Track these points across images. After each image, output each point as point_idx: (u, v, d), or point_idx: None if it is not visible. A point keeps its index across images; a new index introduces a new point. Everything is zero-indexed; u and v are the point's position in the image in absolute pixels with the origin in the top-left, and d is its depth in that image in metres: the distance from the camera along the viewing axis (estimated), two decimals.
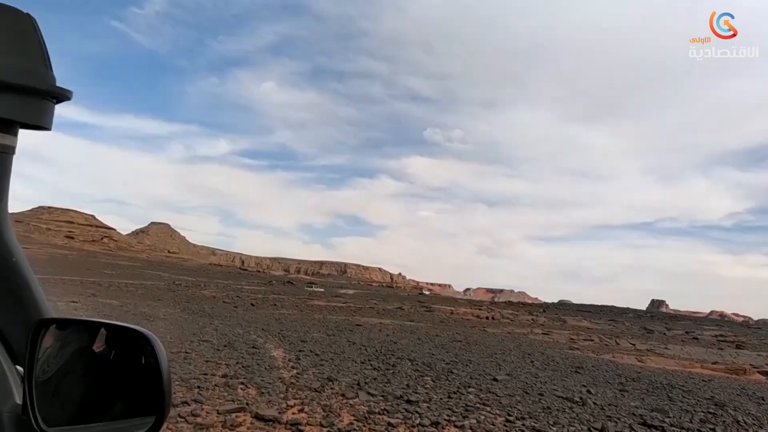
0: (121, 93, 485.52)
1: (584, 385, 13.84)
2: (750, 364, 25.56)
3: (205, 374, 10.15)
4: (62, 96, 0.94)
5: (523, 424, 8.87)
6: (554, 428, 8.87)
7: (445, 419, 8.64)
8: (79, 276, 44.11)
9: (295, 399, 9.01)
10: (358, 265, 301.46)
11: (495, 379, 13.05)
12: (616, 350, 29.26)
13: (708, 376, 20.85)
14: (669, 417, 10.68)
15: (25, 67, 0.88)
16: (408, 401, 9.56)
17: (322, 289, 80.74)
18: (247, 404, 8.33)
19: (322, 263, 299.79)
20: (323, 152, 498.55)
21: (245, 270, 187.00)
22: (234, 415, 7.70)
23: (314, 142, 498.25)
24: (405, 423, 8.27)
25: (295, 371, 11.58)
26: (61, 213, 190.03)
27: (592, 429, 9.09)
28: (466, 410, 9.41)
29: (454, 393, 10.86)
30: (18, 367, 1.01)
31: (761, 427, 10.91)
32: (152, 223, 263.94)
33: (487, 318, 51.03)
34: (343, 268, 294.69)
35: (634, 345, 34.94)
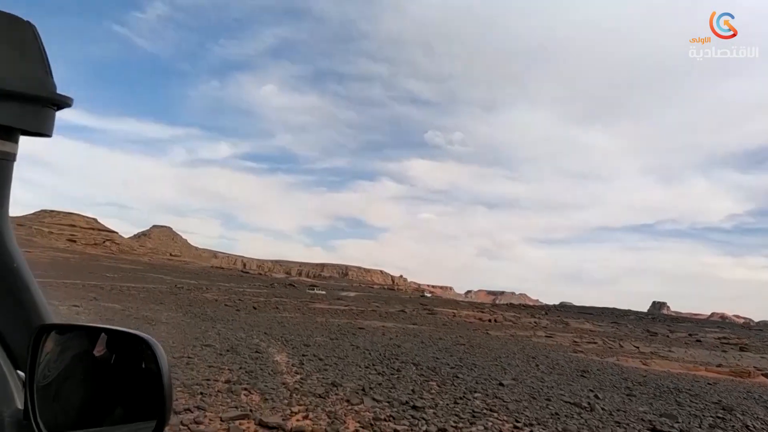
0: (123, 97, 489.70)
1: (591, 390, 13.68)
2: (754, 367, 25.37)
3: (208, 380, 10.03)
4: (63, 103, 0.95)
5: (532, 431, 8.75)
6: None
7: (452, 426, 8.50)
8: (81, 279, 44.07)
9: (300, 405, 8.88)
10: (360, 268, 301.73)
11: (501, 384, 12.92)
12: (620, 353, 29.10)
13: (713, 379, 20.71)
14: (678, 422, 10.56)
15: (26, 74, 0.89)
16: (414, 407, 9.43)
17: (323, 292, 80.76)
18: (250, 411, 8.20)
19: (323, 266, 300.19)
20: (324, 155, 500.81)
21: (247, 273, 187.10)
22: (238, 422, 7.57)
23: (315, 145, 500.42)
24: (411, 430, 8.15)
25: (298, 376, 11.46)
26: (64, 216, 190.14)
27: None
28: (473, 416, 9.28)
29: (461, 398, 10.74)
30: (19, 372, 1.02)
31: None
32: (154, 226, 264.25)
33: (489, 321, 50.88)
34: (344, 271, 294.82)
35: (637, 348, 34.75)
